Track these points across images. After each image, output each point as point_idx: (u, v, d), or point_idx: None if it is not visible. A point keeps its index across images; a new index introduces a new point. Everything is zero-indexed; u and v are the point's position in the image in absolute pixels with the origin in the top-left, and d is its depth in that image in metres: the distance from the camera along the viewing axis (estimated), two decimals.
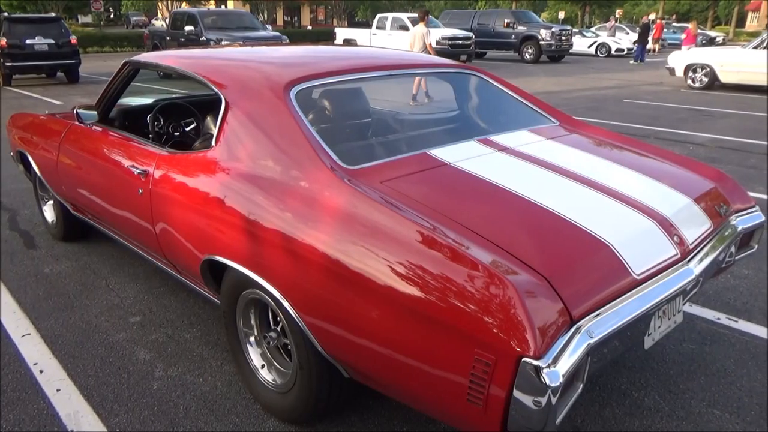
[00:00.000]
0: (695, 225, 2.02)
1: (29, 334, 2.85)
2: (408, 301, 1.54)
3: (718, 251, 2.05)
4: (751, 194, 4.91)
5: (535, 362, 1.33)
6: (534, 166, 2.14)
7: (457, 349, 1.45)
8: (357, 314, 1.68)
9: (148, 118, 3.31)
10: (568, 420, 2.22)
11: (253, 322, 2.29)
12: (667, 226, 1.89)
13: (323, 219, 1.78)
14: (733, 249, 2.27)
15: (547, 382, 1.32)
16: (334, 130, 2.61)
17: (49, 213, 4.08)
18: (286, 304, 1.90)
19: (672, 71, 13.60)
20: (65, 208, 3.72)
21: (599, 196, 1.96)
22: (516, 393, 1.36)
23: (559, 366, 1.35)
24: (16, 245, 3.97)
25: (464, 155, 2.17)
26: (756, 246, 2.42)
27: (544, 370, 1.32)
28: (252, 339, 2.30)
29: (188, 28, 14.12)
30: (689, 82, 13.21)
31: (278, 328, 2.19)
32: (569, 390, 1.49)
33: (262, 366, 2.29)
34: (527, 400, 1.35)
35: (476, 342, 1.42)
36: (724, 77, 12.70)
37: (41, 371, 2.55)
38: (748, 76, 12.31)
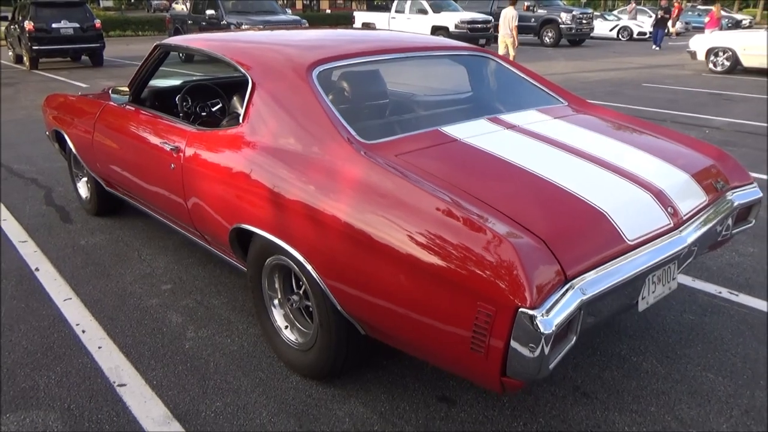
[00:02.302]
0: (690, 198, 2.15)
1: (70, 298, 3.08)
2: (418, 261, 1.71)
3: (712, 223, 2.18)
4: (762, 176, 4.99)
5: (530, 312, 1.49)
6: (539, 143, 2.29)
7: (462, 303, 1.62)
8: (372, 275, 1.86)
9: (177, 99, 3.50)
10: (568, 379, 2.39)
11: (277, 285, 2.48)
12: (662, 197, 2.03)
13: (342, 188, 1.96)
14: (730, 223, 2.40)
15: (541, 330, 1.48)
16: (353, 109, 2.77)
17: (83, 189, 4.32)
18: (309, 267, 2.08)
19: (693, 55, 13.46)
20: (99, 184, 3.95)
21: (598, 170, 2.10)
22: (513, 340, 1.53)
23: (552, 316, 1.51)
24: (53, 219, 4.21)
25: (474, 132, 2.32)
26: (754, 221, 2.54)
27: (539, 319, 1.49)
28: (276, 302, 2.50)
29: (209, 12, 14.31)
30: (711, 66, 13.08)
31: (300, 291, 2.38)
32: (563, 340, 1.65)
33: (285, 327, 2.48)
34: (523, 346, 1.52)
35: (479, 296, 1.58)
36: (746, 61, 12.55)
37: (83, 331, 2.78)
38: None
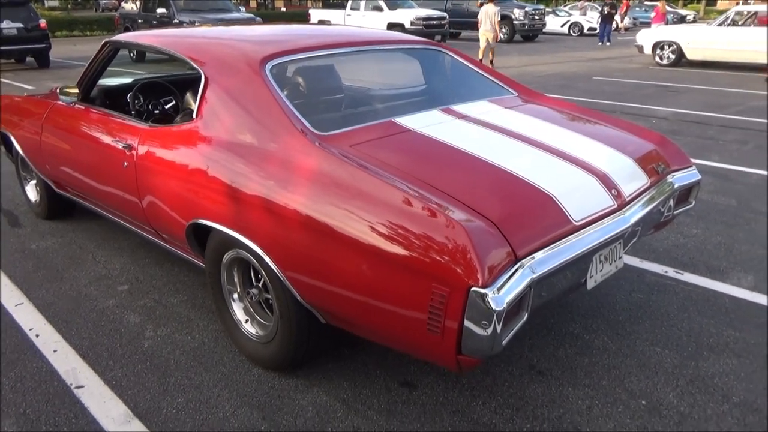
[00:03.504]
0: (633, 180, 2.25)
1: (22, 303, 3.01)
2: (374, 248, 1.75)
3: (654, 204, 2.29)
4: (706, 162, 5.23)
5: (482, 291, 1.55)
6: (489, 131, 2.35)
7: (418, 286, 1.67)
8: (330, 264, 1.89)
9: (128, 97, 3.44)
10: (524, 359, 2.47)
11: (236, 279, 2.48)
12: (606, 180, 2.12)
13: (298, 180, 1.98)
14: (671, 204, 2.52)
15: (493, 307, 1.54)
16: (308, 102, 2.79)
17: (32, 192, 4.19)
18: (267, 259, 2.10)
19: (641, 49, 13.93)
20: (49, 186, 3.85)
21: (546, 156, 2.18)
22: (467, 319, 1.58)
23: (503, 294, 1.58)
24: (1, 224, 4.08)
25: (427, 122, 2.37)
26: (693, 202, 2.67)
27: (490, 297, 1.55)
28: (235, 296, 2.50)
29: (160, 10, 14.01)
30: (657, 59, 13.56)
31: (260, 284, 2.39)
32: (515, 317, 1.71)
33: (246, 320, 2.48)
34: (476, 324, 1.57)
35: (434, 278, 1.63)
36: (691, 54, 13.06)
37: (37, 335, 2.72)
38: (712, 52, 12.69)
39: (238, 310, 2.51)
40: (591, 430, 2.08)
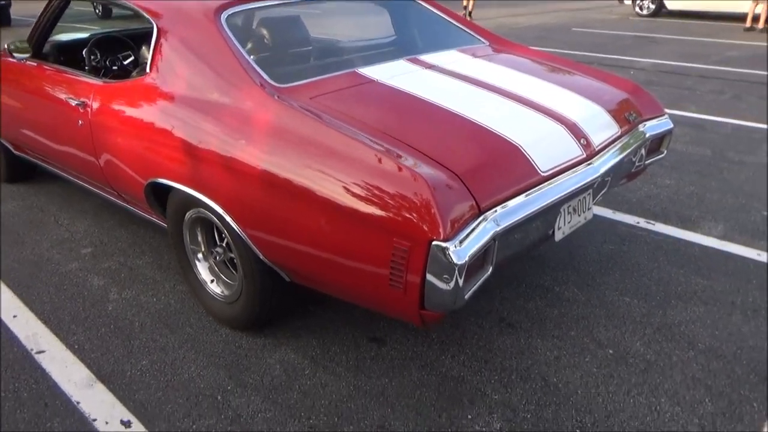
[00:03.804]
0: (603, 130, 2.20)
1: None
2: (334, 202, 1.69)
3: (625, 154, 2.25)
4: (682, 113, 5.20)
5: (443, 244, 1.51)
6: (457, 81, 2.27)
7: (379, 241, 1.62)
8: (291, 220, 1.83)
9: (84, 52, 3.27)
10: (494, 312, 2.46)
11: (200, 239, 2.41)
12: (575, 130, 2.06)
13: (255, 134, 1.89)
14: (643, 153, 2.48)
15: (454, 261, 1.50)
16: (270, 54, 2.67)
17: None
18: (228, 218, 2.03)
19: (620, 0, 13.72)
20: (7, 149, 3.69)
21: (514, 105, 2.11)
22: (429, 273, 1.54)
23: (465, 248, 1.53)
24: None
25: (392, 73, 2.28)
26: (665, 151, 2.64)
27: (451, 250, 1.50)
28: (200, 255, 2.44)
29: None
30: (637, 9, 13.39)
31: (223, 244, 2.32)
32: (478, 271, 1.68)
33: (211, 280, 2.43)
34: (438, 278, 1.53)
35: (394, 232, 1.58)
36: (671, 4, 12.91)
37: None
38: (692, 2, 12.55)
39: (203, 270, 2.45)
40: (558, 379, 2.09)
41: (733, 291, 2.60)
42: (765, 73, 7.11)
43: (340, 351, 2.27)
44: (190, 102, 2.12)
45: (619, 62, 7.94)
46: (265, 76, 2.04)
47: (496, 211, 1.68)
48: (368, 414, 1.96)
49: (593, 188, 2.16)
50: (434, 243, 1.51)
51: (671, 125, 2.57)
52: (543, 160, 1.88)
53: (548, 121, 2.05)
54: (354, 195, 1.65)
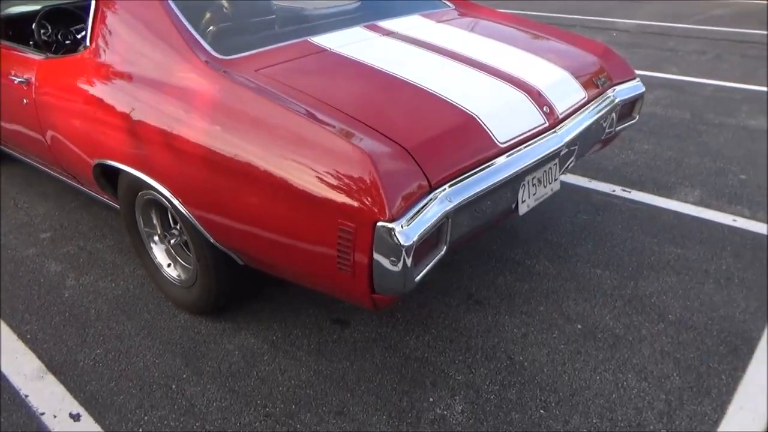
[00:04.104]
0: (568, 96, 2.09)
1: None
2: (277, 181, 1.59)
3: (592, 120, 2.15)
4: (663, 75, 5.09)
5: (389, 225, 1.41)
6: (415, 48, 2.15)
7: (325, 222, 1.52)
8: (236, 201, 1.73)
9: (33, 26, 3.10)
10: (462, 288, 2.39)
11: (155, 221, 2.31)
12: (537, 97, 1.96)
13: (195, 111, 1.78)
14: (614, 119, 2.38)
15: (401, 242, 1.41)
16: (224, 24, 2.51)
17: None
18: (175, 201, 1.92)
19: None
20: None
21: (474, 73, 2.00)
22: (375, 255, 1.45)
23: (413, 228, 1.44)
24: None
25: (347, 41, 2.15)
26: (637, 116, 2.54)
27: (398, 231, 1.41)
28: (155, 238, 2.34)
29: None
30: None
31: (178, 226, 2.22)
32: (432, 251, 1.59)
33: (168, 264, 2.33)
34: (385, 260, 1.45)
35: (339, 212, 1.48)
36: None
37: None
38: None
39: (160, 254, 2.35)
40: (524, 358, 2.03)
41: (706, 259, 2.54)
42: (750, 31, 6.97)
43: (302, 334, 2.19)
44: (129, 78, 1.99)
45: (601, 24, 7.76)
46: (209, 48, 1.91)
47: (449, 186, 1.58)
48: (327, 399, 1.90)
49: (559, 158, 2.07)
50: (379, 224, 1.42)
51: (642, 89, 2.46)
52: (501, 131, 1.78)
53: (509, 89, 1.94)
54: (295, 173, 1.55)
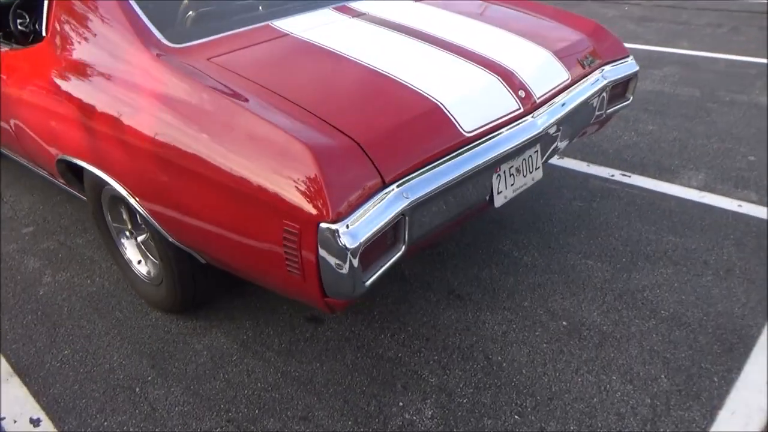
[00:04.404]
0: (549, 78, 1.95)
1: None
2: (223, 179, 1.49)
3: (577, 103, 2.00)
4: (675, 50, 4.84)
5: (332, 226, 1.31)
6: (385, 30, 2.02)
7: (270, 222, 1.42)
8: (188, 199, 1.63)
9: (9, 15, 3.02)
10: (444, 282, 2.27)
11: (124, 217, 2.23)
12: (511, 80, 1.82)
13: (142, 104, 1.68)
14: (604, 101, 2.23)
15: (345, 245, 1.30)
16: (185, 10, 2.40)
17: None
18: (131, 200, 1.84)
19: None
20: None
21: (445, 56, 1.86)
22: (321, 258, 1.35)
23: (360, 228, 1.33)
24: None
25: (312, 24, 2.03)
26: (631, 97, 2.37)
27: (342, 233, 1.30)
28: (126, 233, 2.27)
29: None
30: None
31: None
32: (387, 252, 1.48)
33: (139, 261, 2.26)
34: (331, 264, 1.34)
35: (283, 212, 1.38)
36: None
37: None
38: None
39: (131, 250, 2.28)
40: (502, 358, 1.92)
41: (706, 249, 2.38)
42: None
43: (273, 333, 2.11)
44: (81, 69, 1.90)
45: None
46: (159, 37, 1.80)
47: (404, 182, 1.46)
48: (292, 404, 1.81)
49: (540, 145, 1.93)
50: (322, 224, 1.32)
51: (636, 68, 2.30)
52: (468, 119, 1.65)
53: (480, 73, 1.80)
54: (239, 170, 1.45)
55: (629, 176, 2.98)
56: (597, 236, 2.51)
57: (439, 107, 1.63)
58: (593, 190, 2.87)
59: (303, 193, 1.34)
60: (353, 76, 1.71)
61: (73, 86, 1.91)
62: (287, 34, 1.94)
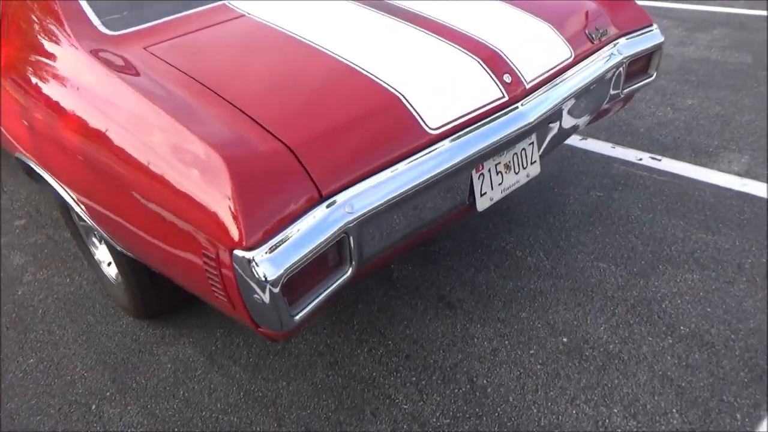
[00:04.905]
0: (545, 56, 1.65)
1: None
2: (143, 190, 1.30)
3: (581, 86, 1.70)
4: (723, 9, 4.33)
5: (247, 254, 1.10)
6: (358, 7, 1.75)
7: (190, 244, 1.23)
8: (116, 204, 1.46)
9: None
10: (435, 287, 2.04)
11: None
12: (495, 62, 1.54)
13: (68, 103, 1.50)
14: (620, 78, 1.91)
15: (265, 276, 1.09)
16: None
17: None
18: (76, 207, 1.68)
19: None
20: None
21: (414, 33, 1.59)
22: (240, 288, 1.15)
23: (286, 254, 1.12)
24: None
25: (272, 2, 1.79)
26: (654, 73, 2.04)
27: (259, 263, 1.09)
28: (95, 233, 2.13)
29: None
30: None
31: None
32: (329, 276, 1.26)
33: (109, 263, 2.13)
34: (251, 295, 1.14)
35: (201, 234, 1.18)
36: None
37: None
38: None
39: (101, 250, 2.15)
40: (489, 381, 1.69)
41: (742, 250, 2.05)
42: None
43: (243, 344, 1.94)
44: (22, 63, 1.73)
45: None
46: (96, 23, 1.61)
47: (347, 194, 1.23)
48: (250, 429, 1.64)
49: (536, 136, 1.66)
50: (236, 252, 1.11)
51: (660, 39, 1.96)
52: (435, 113, 1.39)
53: (456, 53, 1.53)
54: (157, 182, 1.25)
55: (659, 160, 2.63)
56: (614, 233, 2.21)
57: (399, 100, 1.37)
58: (616, 176, 2.55)
59: (216, 214, 1.13)
60: (304, 65, 1.47)
61: (14, 82, 1.75)
62: (243, 15, 1.71)
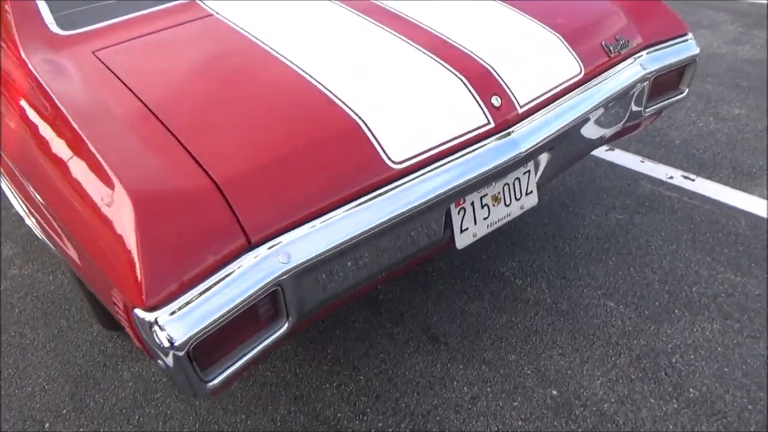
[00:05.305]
0: (547, 73, 1.43)
1: None
2: (62, 215, 1.16)
3: (589, 107, 1.47)
4: None
5: (148, 316, 0.95)
6: (341, 8, 1.56)
7: (104, 289, 1.09)
8: (47, 228, 1.34)
9: None
10: (420, 317, 1.86)
11: None
12: (483, 81, 1.33)
13: (5, 112, 1.37)
14: (643, 95, 1.67)
15: (169, 340, 0.94)
16: None
17: None
18: (19, 209, 1.58)
19: None
20: None
21: (396, 44, 1.39)
22: (148, 349, 1.00)
23: (198, 314, 0.96)
24: None
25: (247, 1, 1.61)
26: (686, 90, 1.77)
27: (162, 325, 0.94)
28: None
29: None
30: None
31: None
32: (263, 330, 1.10)
33: None
34: (158, 359, 0.99)
35: (111, 282, 1.04)
36: None
37: None
38: None
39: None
40: None
41: None
42: None
43: None
44: None
45: None
46: (48, 22, 1.46)
47: (283, 240, 1.06)
48: None
49: (533, 164, 1.45)
50: (137, 312, 0.96)
51: (695, 51, 1.69)
52: (400, 143, 1.20)
53: (436, 69, 1.32)
54: (72, 212, 1.11)
55: (693, 180, 2.35)
56: (629, 266, 1.98)
57: (359, 126, 1.19)
58: (641, 197, 2.29)
59: (117, 265, 0.98)
60: (261, 80, 1.29)
61: None
62: (210, 14, 1.54)
